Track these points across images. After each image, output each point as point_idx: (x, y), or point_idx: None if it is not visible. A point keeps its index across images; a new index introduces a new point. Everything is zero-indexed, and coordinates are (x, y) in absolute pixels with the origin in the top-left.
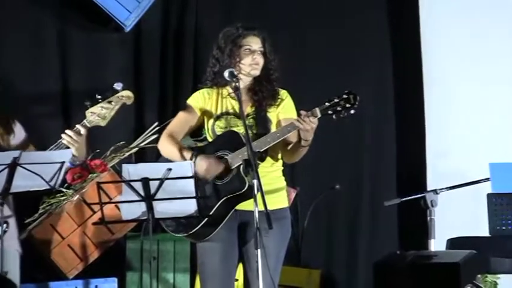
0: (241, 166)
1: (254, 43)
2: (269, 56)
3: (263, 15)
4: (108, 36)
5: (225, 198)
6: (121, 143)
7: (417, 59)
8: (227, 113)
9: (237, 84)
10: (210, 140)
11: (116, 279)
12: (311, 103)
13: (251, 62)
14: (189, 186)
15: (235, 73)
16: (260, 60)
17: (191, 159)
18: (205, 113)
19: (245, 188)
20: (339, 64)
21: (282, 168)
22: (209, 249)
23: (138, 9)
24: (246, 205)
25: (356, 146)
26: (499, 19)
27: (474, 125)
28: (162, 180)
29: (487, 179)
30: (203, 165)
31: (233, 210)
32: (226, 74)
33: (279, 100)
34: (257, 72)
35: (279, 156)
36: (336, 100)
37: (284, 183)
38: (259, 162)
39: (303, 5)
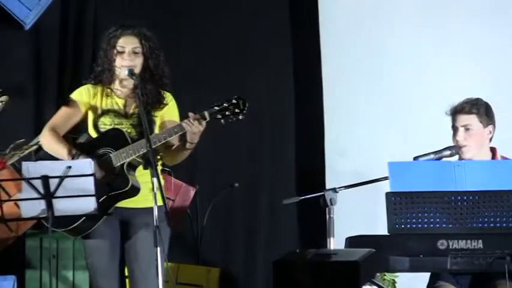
0: (125, 165)
1: (128, 43)
2: (150, 56)
3: (163, 14)
4: (8, 33)
5: (107, 195)
6: (20, 140)
7: (316, 58)
8: (112, 111)
9: (136, 82)
10: (93, 136)
11: (14, 277)
12: (205, 104)
13: (122, 63)
14: (89, 184)
15: (134, 71)
16: (134, 61)
17: (73, 158)
18: (90, 109)
19: (128, 187)
20: (237, 63)
21: (161, 168)
22: (96, 248)
23: (37, 7)
24: (126, 203)
25: (255, 145)
26: (393, 18)
27: (373, 124)
28: (61, 178)
29: (385, 178)
30: None
31: (113, 208)
32: (126, 72)
33: (164, 103)
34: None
35: (158, 157)
36: (225, 105)
37: (162, 183)
38: (140, 160)
39: (203, 4)
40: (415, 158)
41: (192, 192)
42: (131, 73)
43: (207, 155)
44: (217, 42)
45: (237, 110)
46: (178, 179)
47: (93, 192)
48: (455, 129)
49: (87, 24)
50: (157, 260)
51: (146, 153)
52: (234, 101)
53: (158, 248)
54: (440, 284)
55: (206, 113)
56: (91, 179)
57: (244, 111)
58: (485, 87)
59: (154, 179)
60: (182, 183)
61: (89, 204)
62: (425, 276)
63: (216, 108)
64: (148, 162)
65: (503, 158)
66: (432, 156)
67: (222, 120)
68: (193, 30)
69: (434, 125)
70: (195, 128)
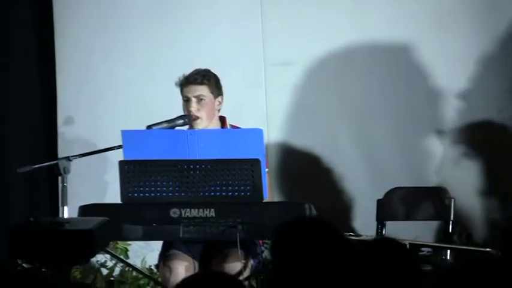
0: None
1: None
2: None
3: None
4: None
5: None
6: None
7: (50, 20)
8: None
9: None
10: None
11: None
12: None
13: None
14: None
15: None
16: None
17: None
18: None
19: None
20: None
21: None
22: None
23: None
24: None
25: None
26: None
27: (107, 90)
28: None
29: (119, 146)
30: None
31: None
32: None
33: None
34: None
35: None
36: None
37: None
38: None
39: None
40: (149, 127)
41: None
42: None
43: None
44: None
45: None
46: None
47: None
48: (187, 99)
49: None
50: None
51: None
52: None
53: None
54: (172, 253)
55: None
56: None
57: None
58: (212, 58)
59: None
60: None
61: None
62: (157, 245)
63: None
64: None
65: (233, 126)
66: (165, 125)
67: None
68: None
69: (166, 93)
70: None
